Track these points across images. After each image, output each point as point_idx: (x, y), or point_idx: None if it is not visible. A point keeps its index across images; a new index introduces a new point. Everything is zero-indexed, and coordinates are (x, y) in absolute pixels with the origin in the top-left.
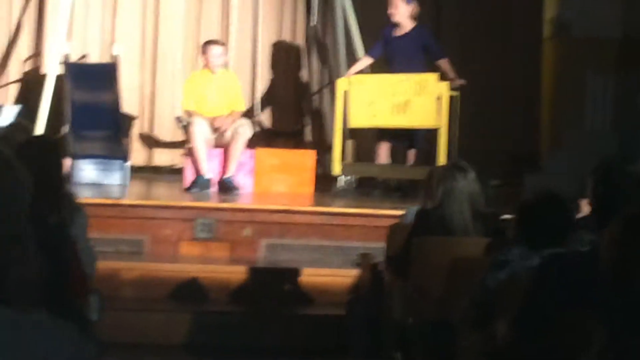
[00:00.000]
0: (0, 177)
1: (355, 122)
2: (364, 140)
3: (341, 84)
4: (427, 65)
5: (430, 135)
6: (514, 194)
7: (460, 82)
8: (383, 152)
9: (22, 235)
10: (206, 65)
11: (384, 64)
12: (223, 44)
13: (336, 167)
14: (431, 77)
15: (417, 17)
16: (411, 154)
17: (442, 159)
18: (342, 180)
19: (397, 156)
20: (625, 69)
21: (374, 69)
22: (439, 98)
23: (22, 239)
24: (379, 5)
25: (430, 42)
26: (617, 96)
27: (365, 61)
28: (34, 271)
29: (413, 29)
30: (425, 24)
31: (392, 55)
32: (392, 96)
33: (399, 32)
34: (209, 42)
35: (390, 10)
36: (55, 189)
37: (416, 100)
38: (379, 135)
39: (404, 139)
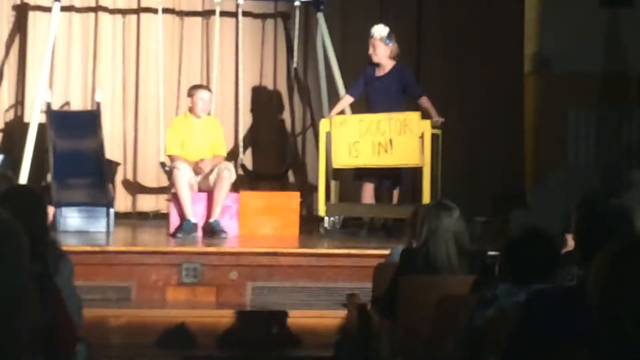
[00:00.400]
0: (6, 239)
1: (339, 162)
2: (348, 181)
3: (323, 125)
4: (407, 104)
5: (413, 173)
6: (500, 231)
7: (440, 119)
8: (367, 192)
9: (26, 289)
10: (191, 109)
11: (364, 103)
12: (210, 90)
13: (321, 208)
14: (413, 116)
15: (397, 57)
16: (395, 193)
17: (426, 197)
18: (327, 221)
19: (381, 196)
20: (606, 104)
21: (354, 108)
22: (421, 136)
23: (26, 292)
24: (359, 45)
25: (410, 80)
26: (599, 131)
27: (346, 100)
28: (37, 323)
29: (392, 68)
30: (404, 63)
31: (373, 95)
32: (375, 136)
33: (379, 73)
34: (197, 87)
35: (370, 51)
36: (40, 237)
37: (399, 139)
38: (362, 175)
39: (388, 178)
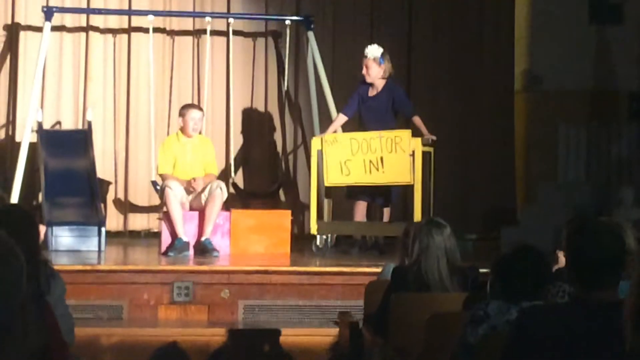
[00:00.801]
0: (6, 259)
1: (331, 180)
2: (341, 199)
3: (315, 143)
4: (399, 123)
5: (404, 191)
6: (492, 248)
7: (432, 137)
8: (359, 210)
9: (23, 310)
10: (183, 129)
11: (357, 122)
12: (201, 109)
13: (313, 227)
14: (404, 134)
15: (390, 76)
16: (387, 212)
17: (418, 215)
18: (319, 240)
19: (373, 213)
20: (596, 121)
21: (346, 127)
22: (412, 154)
23: (24, 313)
24: (350, 64)
25: (401, 98)
26: (589, 148)
27: (340, 120)
28: (35, 343)
29: (384, 87)
30: (395, 80)
31: (365, 114)
32: (366, 154)
33: (372, 92)
34: (188, 106)
35: (364, 71)
36: (31, 257)
37: (389, 157)
38: (354, 194)
39: (380, 196)
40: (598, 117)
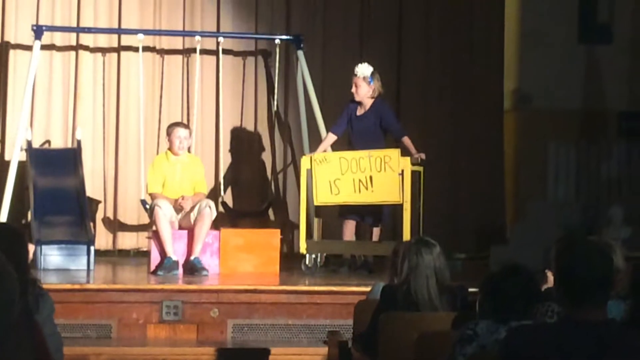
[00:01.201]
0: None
1: (320, 199)
2: (330, 218)
3: (304, 162)
4: (388, 142)
5: (394, 211)
6: (481, 267)
7: (420, 155)
8: (348, 229)
9: (16, 327)
10: (170, 148)
11: (346, 140)
12: (187, 126)
13: (302, 246)
14: (393, 153)
15: (379, 95)
16: (376, 231)
17: (407, 234)
18: (308, 259)
19: (363, 233)
20: (585, 140)
21: (335, 146)
22: (401, 173)
23: (17, 330)
24: (340, 83)
25: (389, 117)
26: (579, 167)
27: (330, 139)
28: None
29: (372, 105)
30: (383, 99)
31: (354, 133)
32: (355, 173)
33: (360, 111)
34: (173, 125)
35: (353, 90)
36: (21, 275)
37: (378, 176)
38: (344, 213)
39: (370, 215)
40: (587, 136)
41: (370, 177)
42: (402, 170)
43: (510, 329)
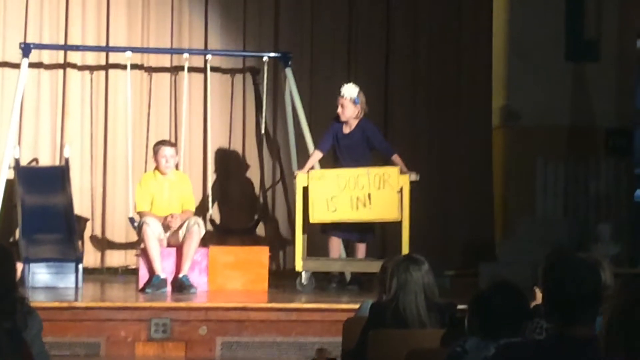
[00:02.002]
0: None
1: (316, 217)
2: (311, 234)
3: (300, 180)
4: (374, 159)
5: (381, 227)
6: (470, 284)
7: (415, 177)
8: (334, 246)
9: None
10: (157, 167)
11: (331, 158)
12: (174, 144)
13: (298, 264)
14: (392, 171)
15: (365, 114)
16: (362, 247)
17: (405, 251)
18: (304, 277)
19: (350, 249)
20: (574, 156)
21: (322, 163)
22: (399, 191)
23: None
24: (327, 100)
25: (376, 136)
26: (567, 183)
27: (316, 156)
28: None
29: (358, 125)
30: (367, 118)
31: (340, 151)
32: (353, 190)
33: (346, 130)
34: (160, 143)
35: (339, 111)
36: (8, 293)
37: (377, 193)
38: (328, 229)
39: (358, 232)
40: (576, 152)
41: (369, 195)
42: (401, 188)
43: (499, 346)
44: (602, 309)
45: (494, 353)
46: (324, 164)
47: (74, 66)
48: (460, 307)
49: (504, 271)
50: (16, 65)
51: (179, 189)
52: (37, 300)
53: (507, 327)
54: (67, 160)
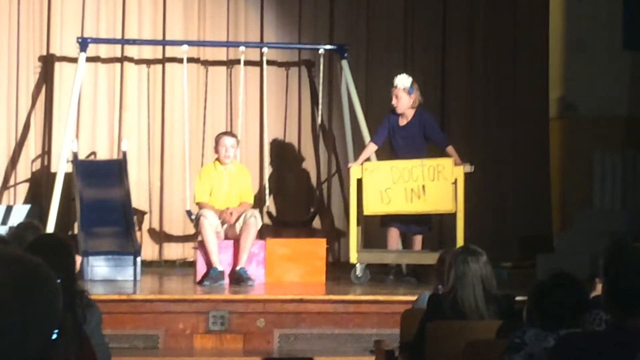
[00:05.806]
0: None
1: (371, 209)
2: (369, 226)
3: (354, 172)
4: (430, 151)
5: (439, 219)
6: (527, 276)
7: (469, 169)
8: (393, 238)
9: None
10: (218, 157)
11: (388, 151)
12: (235, 135)
13: (353, 256)
14: (447, 162)
15: (420, 105)
16: (419, 239)
17: (460, 242)
18: (359, 269)
19: (408, 241)
20: (632, 147)
21: (378, 156)
22: (454, 183)
23: (65, 341)
24: (384, 92)
25: (432, 127)
26: (625, 174)
27: (371, 149)
28: None
29: (414, 116)
30: (424, 109)
31: (397, 144)
32: (407, 182)
33: (402, 122)
34: (221, 134)
35: (394, 102)
36: (68, 286)
37: (431, 185)
38: (387, 221)
39: (416, 224)
40: (633, 143)
41: (423, 186)
42: (455, 179)
43: (559, 338)
44: None
45: (555, 344)
46: (382, 156)
47: (130, 60)
48: (517, 298)
49: (562, 263)
50: (74, 60)
51: (238, 181)
52: (96, 293)
53: (566, 318)
54: (124, 154)
